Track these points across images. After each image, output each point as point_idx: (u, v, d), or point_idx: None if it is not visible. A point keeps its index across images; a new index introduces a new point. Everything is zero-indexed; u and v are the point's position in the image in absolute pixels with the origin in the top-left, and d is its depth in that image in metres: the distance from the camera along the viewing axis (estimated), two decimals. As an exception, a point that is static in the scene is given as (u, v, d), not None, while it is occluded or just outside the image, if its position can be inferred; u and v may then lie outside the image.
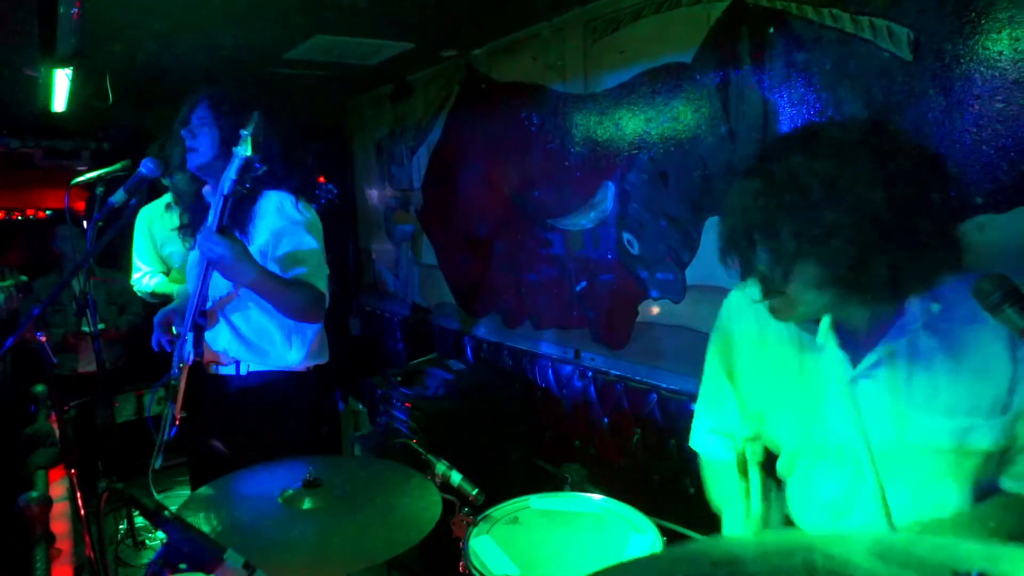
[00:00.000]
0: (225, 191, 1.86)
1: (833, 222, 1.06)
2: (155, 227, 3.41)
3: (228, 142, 1.99)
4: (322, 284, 2.07)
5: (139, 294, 3.45)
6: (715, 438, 1.53)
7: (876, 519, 1.29)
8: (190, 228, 2.24)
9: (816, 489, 1.38)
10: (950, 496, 1.22)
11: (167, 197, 3.22)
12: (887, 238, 1.06)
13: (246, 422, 2.19)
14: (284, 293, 1.96)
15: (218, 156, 2.06)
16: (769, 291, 1.19)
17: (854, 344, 1.25)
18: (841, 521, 1.34)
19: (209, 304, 2.13)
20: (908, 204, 1.06)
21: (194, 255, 2.21)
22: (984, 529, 1.19)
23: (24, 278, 3.45)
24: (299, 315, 2.05)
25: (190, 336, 2.10)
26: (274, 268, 2.04)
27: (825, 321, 1.26)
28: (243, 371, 2.20)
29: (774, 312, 1.24)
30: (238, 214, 2.07)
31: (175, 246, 3.46)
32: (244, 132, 1.87)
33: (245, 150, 1.83)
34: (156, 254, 3.42)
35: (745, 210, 1.15)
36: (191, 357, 2.10)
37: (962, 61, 1.71)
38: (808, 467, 1.38)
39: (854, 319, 1.24)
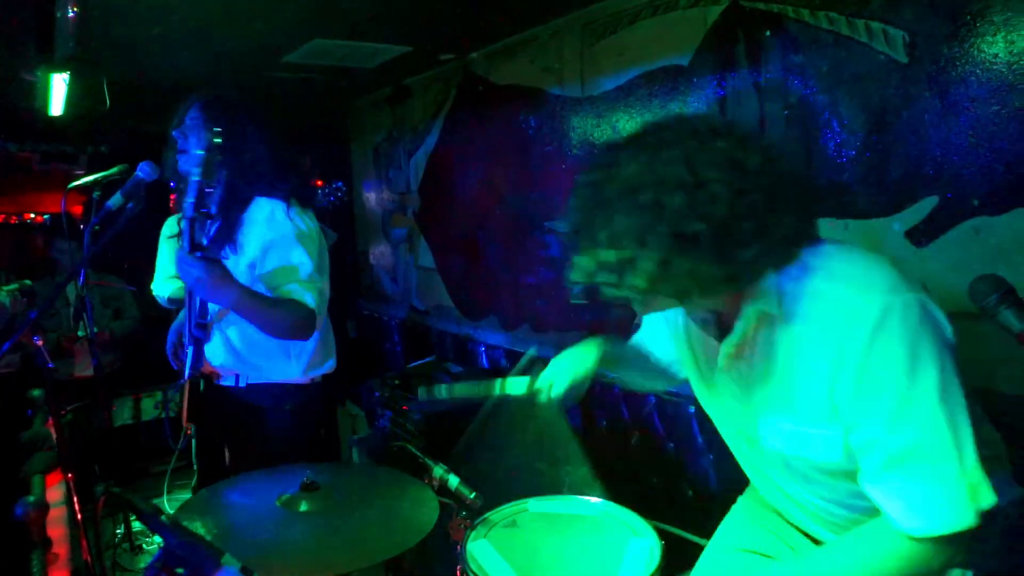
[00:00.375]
0: (188, 214, 1.78)
1: (631, 226, 1.03)
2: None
3: (219, 145, 1.94)
4: (311, 299, 1.97)
5: (158, 299, 3.46)
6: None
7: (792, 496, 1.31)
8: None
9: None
10: (829, 485, 1.20)
11: None
12: (686, 241, 1.01)
13: (246, 434, 2.18)
14: (267, 313, 1.89)
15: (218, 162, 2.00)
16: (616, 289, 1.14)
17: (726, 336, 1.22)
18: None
19: (208, 317, 2.07)
20: (707, 205, 1.01)
21: None
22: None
23: (28, 282, 3.44)
24: (284, 335, 1.98)
25: (190, 350, 2.06)
26: (261, 284, 1.99)
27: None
28: (242, 383, 2.17)
29: (634, 307, 1.22)
30: (227, 224, 2.03)
31: None
32: (199, 152, 1.80)
33: (196, 175, 1.77)
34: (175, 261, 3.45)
35: (573, 209, 1.15)
36: (188, 372, 2.05)
37: (958, 64, 1.72)
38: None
39: (722, 309, 1.21)
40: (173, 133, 2.08)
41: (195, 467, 2.47)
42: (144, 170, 2.58)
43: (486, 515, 1.73)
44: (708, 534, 2.13)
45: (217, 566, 0.90)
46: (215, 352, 2.14)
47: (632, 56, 2.65)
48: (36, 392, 3.17)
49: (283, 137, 2.17)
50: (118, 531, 3.42)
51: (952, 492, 0.99)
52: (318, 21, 2.90)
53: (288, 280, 1.97)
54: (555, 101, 3.06)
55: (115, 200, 2.48)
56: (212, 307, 2.08)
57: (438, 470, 1.73)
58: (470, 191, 3.77)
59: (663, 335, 1.59)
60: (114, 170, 3.02)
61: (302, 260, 2.00)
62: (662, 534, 1.62)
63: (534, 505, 1.81)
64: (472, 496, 1.68)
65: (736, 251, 1.02)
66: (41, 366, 2.32)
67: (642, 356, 1.68)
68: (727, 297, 1.15)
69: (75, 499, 2.50)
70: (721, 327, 1.24)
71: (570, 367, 1.61)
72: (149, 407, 4.32)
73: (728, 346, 1.18)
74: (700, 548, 1.99)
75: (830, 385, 1.06)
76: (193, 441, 2.26)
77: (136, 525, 3.45)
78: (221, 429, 2.23)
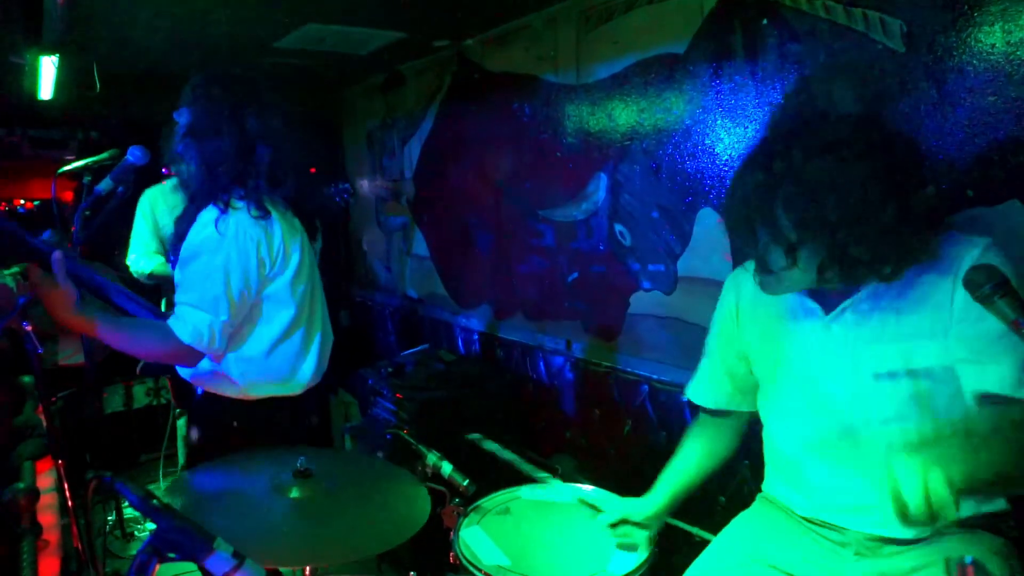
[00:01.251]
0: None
1: (831, 215, 1.17)
2: (158, 208, 3.45)
3: (195, 150, 1.81)
4: (185, 334, 1.70)
5: (135, 275, 3.44)
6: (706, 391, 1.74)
7: (845, 451, 1.40)
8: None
9: (792, 425, 1.52)
10: (911, 426, 1.30)
11: (174, 180, 3.20)
12: (877, 230, 1.18)
13: (207, 438, 2.05)
14: (124, 345, 1.71)
15: (181, 159, 1.87)
16: (765, 271, 1.33)
17: (826, 301, 1.41)
18: (814, 451, 1.46)
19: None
20: (899, 196, 1.17)
21: None
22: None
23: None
24: (158, 361, 1.80)
25: None
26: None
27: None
28: (199, 391, 2.02)
29: (763, 287, 1.38)
30: (180, 226, 1.86)
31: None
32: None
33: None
34: (156, 235, 3.45)
35: (746, 201, 1.27)
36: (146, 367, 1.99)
37: (955, 54, 1.71)
38: (785, 405, 1.53)
39: (829, 287, 1.35)
40: (173, 115, 1.91)
41: (180, 453, 2.44)
42: (134, 154, 2.56)
43: (479, 502, 1.74)
44: (699, 522, 2.14)
45: (209, 551, 0.89)
46: None
47: (628, 44, 2.64)
48: (27, 379, 3.15)
49: (288, 130, 1.93)
50: (109, 518, 3.41)
51: None
52: (311, 5, 2.87)
53: (183, 301, 1.76)
54: (550, 89, 3.04)
55: (105, 184, 2.46)
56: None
57: (431, 457, 1.74)
58: (464, 179, 3.76)
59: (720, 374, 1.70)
60: (104, 155, 2.99)
61: (210, 280, 1.74)
62: (654, 522, 1.62)
63: (527, 492, 1.81)
64: (465, 483, 1.68)
65: (909, 236, 1.20)
66: (30, 352, 2.30)
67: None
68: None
69: (66, 486, 2.49)
70: (822, 297, 1.40)
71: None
72: (140, 394, 4.30)
73: (850, 301, 1.34)
74: (690, 536, 2.00)
75: (951, 294, 1.23)
76: (179, 425, 2.21)
77: (128, 512, 3.44)
78: (191, 423, 2.16)
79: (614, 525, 1.59)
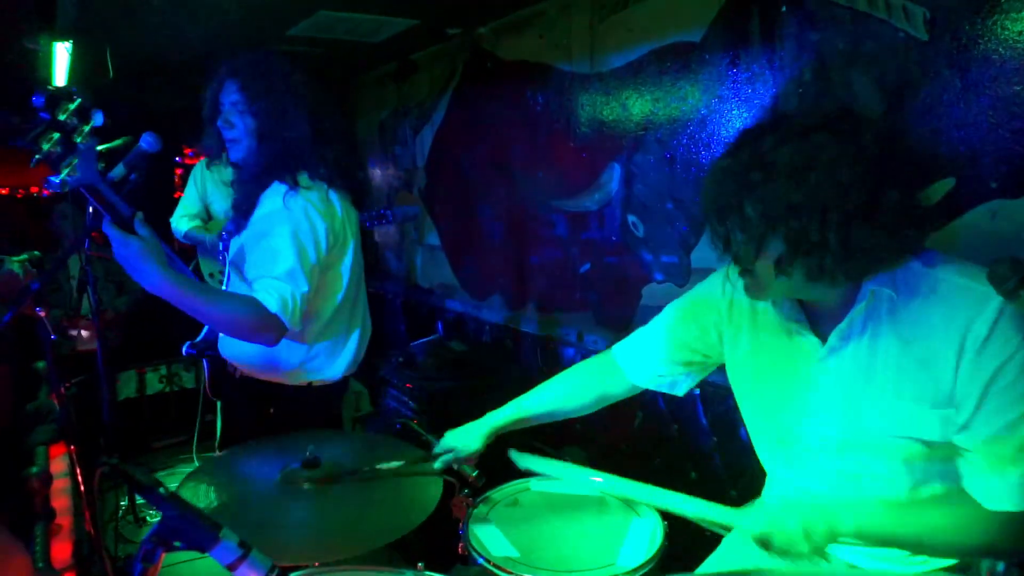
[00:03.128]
0: (110, 178, 1.60)
1: (796, 201, 1.11)
2: (207, 180, 3.60)
3: (263, 129, 1.84)
4: (272, 302, 1.69)
5: (175, 232, 3.67)
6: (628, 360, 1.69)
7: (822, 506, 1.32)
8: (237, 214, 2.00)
9: (775, 469, 1.48)
10: (893, 488, 1.26)
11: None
12: (848, 218, 1.10)
13: (240, 427, 2.10)
14: (209, 308, 1.64)
15: (255, 146, 1.88)
16: (742, 270, 1.26)
17: (823, 325, 1.30)
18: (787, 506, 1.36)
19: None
20: (869, 186, 1.11)
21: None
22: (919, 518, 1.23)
23: (37, 253, 3.44)
24: (240, 336, 1.74)
25: (206, 327, 2.02)
26: (246, 274, 1.84)
27: (794, 302, 1.33)
28: (236, 375, 2.04)
29: (747, 291, 1.30)
30: (244, 201, 1.88)
31: (219, 203, 3.58)
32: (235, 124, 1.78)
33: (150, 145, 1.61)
34: (201, 202, 3.71)
35: (715, 191, 1.21)
36: (196, 349, 2.02)
37: (979, 42, 1.67)
38: (770, 447, 1.47)
39: (822, 300, 1.27)
40: (217, 123, 1.91)
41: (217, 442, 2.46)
42: (147, 141, 2.54)
43: (488, 493, 1.73)
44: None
45: (215, 540, 0.89)
46: (219, 337, 2.05)
47: (643, 32, 2.60)
48: (40, 364, 3.18)
49: (326, 111, 1.96)
50: (122, 503, 3.44)
51: None
52: (324, -8, 2.85)
53: (260, 274, 1.76)
54: (564, 77, 3.01)
55: (117, 171, 2.45)
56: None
57: (440, 447, 1.72)
58: (476, 169, 3.74)
59: (688, 339, 1.60)
60: (117, 141, 2.98)
61: (284, 254, 1.75)
62: (664, 515, 1.61)
63: (536, 484, 1.80)
64: (475, 474, 1.67)
65: (881, 230, 1.11)
66: (44, 338, 2.32)
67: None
68: (844, 284, 1.21)
69: (78, 471, 2.51)
70: (810, 320, 1.32)
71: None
72: (154, 381, 4.32)
73: (842, 328, 1.25)
74: (702, 530, 1.99)
75: (956, 360, 1.14)
76: (218, 415, 2.23)
77: (140, 498, 3.47)
78: (224, 412, 2.19)
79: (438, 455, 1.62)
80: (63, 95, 1.40)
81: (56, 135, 1.40)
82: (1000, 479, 1.14)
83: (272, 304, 1.69)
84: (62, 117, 1.41)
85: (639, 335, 1.70)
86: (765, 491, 1.58)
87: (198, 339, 2.13)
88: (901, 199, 1.12)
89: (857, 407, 1.26)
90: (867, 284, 1.21)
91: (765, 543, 1.23)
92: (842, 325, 1.25)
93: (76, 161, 1.42)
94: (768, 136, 1.16)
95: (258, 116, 1.85)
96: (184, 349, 2.09)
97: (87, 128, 1.42)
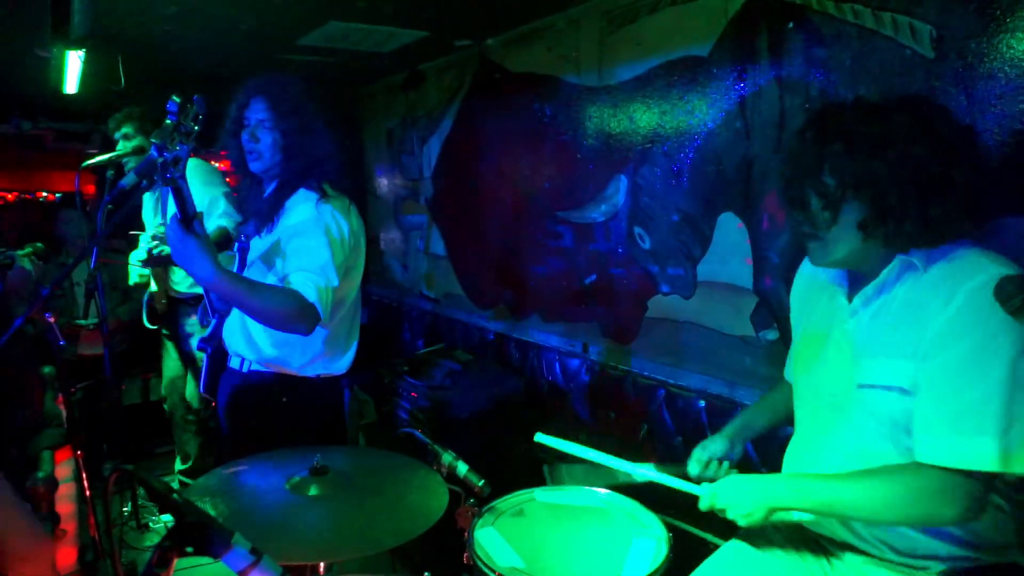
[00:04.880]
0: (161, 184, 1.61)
1: (879, 170, 1.21)
2: (192, 182, 3.56)
3: (290, 145, 1.98)
4: (311, 292, 1.81)
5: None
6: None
7: (824, 465, 1.41)
8: (251, 220, 2.15)
9: (798, 426, 1.55)
10: (886, 450, 1.31)
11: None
12: (924, 190, 1.21)
13: (245, 420, 2.15)
14: (253, 298, 1.74)
15: (279, 160, 2.01)
16: (813, 235, 1.34)
17: (859, 287, 1.39)
18: (801, 465, 1.49)
19: None
20: (942, 164, 1.21)
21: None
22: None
23: (40, 245, 3.43)
24: (277, 325, 1.84)
25: (213, 322, 2.10)
26: (276, 270, 1.96)
27: (843, 272, 1.43)
28: (244, 368, 2.12)
29: (811, 255, 1.40)
30: (271, 206, 2.02)
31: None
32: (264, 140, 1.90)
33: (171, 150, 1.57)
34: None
35: (798, 157, 1.33)
36: (209, 345, 2.08)
37: (985, 60, 1.69)
38: (797, 408, 1.56)
39: (876, 270, 1.34)
40: (242, 136, 2.02)
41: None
42: (157, 149, 2.56)
43: (493, 503, 1.73)
44: (714, 529, 2.12)
45: (227, 546, 0.89)
46: (231, 329, 2.13)
47: (651, 46, 2.62)
48: (47, 369, 3.19)
49: (339, 126, 2.14)
50: (125, 509, 3.44)
51: (986, 439, 1.14)
52: (335, 3, 2.88)
53: (295, 268, 1.88)
54: (571, 90, 3.03)
55: (129, 179, 2.48)
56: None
57: (447, 457, 1.73)
58: (483, 179, 3.75)
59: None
60: (128, 148, 3.02)
61: (317, 252, 1.89)
62: (668, 527, 1.61)
63: (541, 495, 1.80)
64: (480, 484, 1.68)
65: (953, 203, 1.22)
66: (52, 343, 2.33)
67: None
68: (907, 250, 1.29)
69: (84, 476, 2.52)
70: (852, 282, 1.42)
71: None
72: (158, 387, 4.33)
73: (867, 291, 1.34)
74: (706, 542, 1.99)
75: (928, 320, 1.21)
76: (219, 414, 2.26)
77: (143, 503, 3.47)
78: (226, 407, 2.22)
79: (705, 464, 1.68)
80: (188, 100, 1.54)
81: (178, 137, 1.55)
82: (936, 436, 1.19)
83: (310, 294, 1.81)
84: (187, 121, 1.54)
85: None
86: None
87: (207, 335, 2.17)
88: (968, 178, 1.22)
89: (860, 365, 1.33)
90: (899, 255, 1.29)
91: (712, 512, 1.41)
92: (867, 289, 1.34)
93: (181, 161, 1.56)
94: (848, 112, 1.28)
95: (285, 133, 1.99)
96: (196, 345, 2.16)
97: (196, 129, 1.56)
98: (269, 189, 2.08)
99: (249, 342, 2.09)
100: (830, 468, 1.38)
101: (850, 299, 1.39)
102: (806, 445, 1.50)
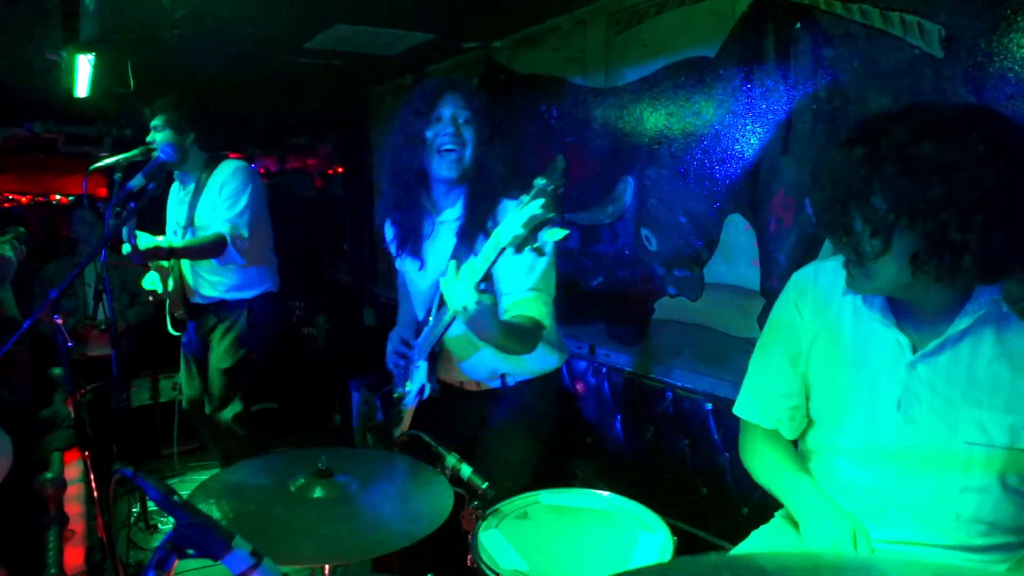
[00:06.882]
0: (504, 242, 1.45)
1: (936, 198, 1.06)
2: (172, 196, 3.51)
3: (485, 144, 1.94)
4: (547, 318, 1.86)
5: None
6: (760, 407, 1.50)
7: (896, 519, 1.28)
8: (409, 242, 2.10)
9: (840, 474, 1.38)
10: (988, 501, 1.21)
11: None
12: (990, 220, 1.05)
13: (507, 429, 2.15)
14: (512, 343, 1.76)
15: (484, 161, 1.95)
16: (858, 261, 1.19)
17: (916, 327, 1.25)
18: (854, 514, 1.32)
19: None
20: (1011, 189, 1.06)
21: (426, 278, 2.10)
22: None
23: (21, 229, 3.41)
24: (529, 350, 1.85)
25: (423, 364, 2.02)
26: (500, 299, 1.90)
27: (883, 299, 1.28)
28: (511, 382, 2.14)
29: (851, 282, 1.25)
30: (474, 218, 1.92)
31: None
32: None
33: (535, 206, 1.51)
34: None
35: (845, 178, 1.15)
36: (427, 391, 2.01)
37: (995, 59, 1.67)
38: (838, 447, 1.38)
39: (924, 300, 1.22)
40: (443, 132, 1.95)
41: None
42: (165, 151, 2.59)
43: (497, 506, 1.72)
44: (721, 533, 2.11)
45: (228, 549, 0.89)
46: (482, 361, 2.08)
47: (658, 47, 2.62)
48: (56, 371, 3.21)
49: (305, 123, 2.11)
50: (134, 510, 3.46)
51: None
52: (341, 6, 2.89)
53: (522, 287, 1.86)
54: (578, 91, 3.03)
55: (136, 181, 2.50)
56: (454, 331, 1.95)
57: (451, 459, 1.72)
58: (490, 181, 3.75)
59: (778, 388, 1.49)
60: (135, 151, 3.04)
61: (537, 267, 1.87)
62: (674, 530, 1.60)
63: (546, 497, 1.79)
64: (484, 486, 1.67)
65: (1019, 234, 1.07)
66: (60, 344, 2.34)
67: None
68: (961, 287, 1.18)
69: (92, 477, 2.53)
70: (910, 318, 1.26)
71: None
72: (167, 388, 4.35)
73: (944, 337, 1.21)
74: (712, 546, 1.97)
75: None
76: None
77: (152, 505, 3.49)
78: (473, 428, 2.18)
79: None
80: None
81: None
82: None
83: (548, 321, 1.86)
84: None
85: (757, 396, 1.53)
86: (831, 485, 1.42)
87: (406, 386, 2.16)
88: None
89: (949, 419, 1.21)
90: (984, 292, 1.17)
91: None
92: (952, 331, 1.20)
93: None
94: (900, 126, 1.11)
95: (481, 133, 1.94)
96: (406, 401, 2.14)
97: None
98: (449, 204, 1.99)
99: (507, 360, 2.07)
100: (941, 532, 1.27)
101: (909, 337, 1.25)
102: (884, 503, 1.33)
